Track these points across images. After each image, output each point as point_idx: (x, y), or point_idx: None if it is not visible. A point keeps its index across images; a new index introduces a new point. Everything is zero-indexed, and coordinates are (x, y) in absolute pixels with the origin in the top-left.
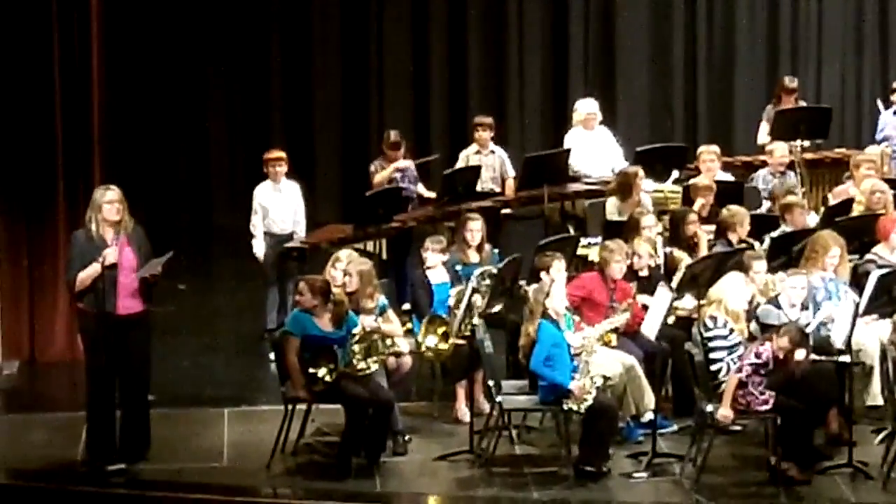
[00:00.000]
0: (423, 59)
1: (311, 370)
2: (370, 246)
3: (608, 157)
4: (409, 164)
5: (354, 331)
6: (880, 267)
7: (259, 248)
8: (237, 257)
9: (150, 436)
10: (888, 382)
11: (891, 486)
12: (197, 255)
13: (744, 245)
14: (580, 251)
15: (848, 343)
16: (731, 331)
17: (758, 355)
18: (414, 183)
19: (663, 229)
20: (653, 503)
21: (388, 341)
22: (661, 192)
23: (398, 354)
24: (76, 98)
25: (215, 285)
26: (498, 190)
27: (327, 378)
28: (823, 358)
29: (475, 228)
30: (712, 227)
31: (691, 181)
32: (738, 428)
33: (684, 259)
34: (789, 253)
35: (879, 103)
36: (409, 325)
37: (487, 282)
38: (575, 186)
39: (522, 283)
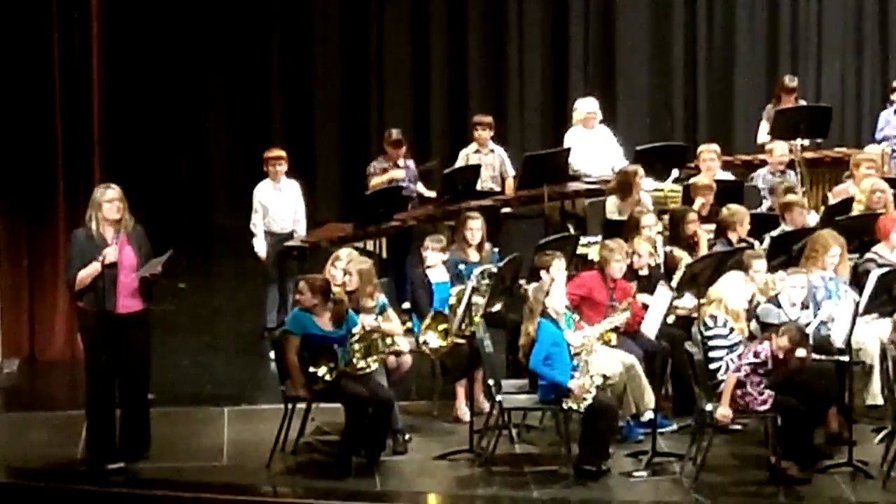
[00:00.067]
0: (423, 59)
1: (311, 369)
2: (370, 245)
3: (608, 157)
4: (402, 174)
5: (354, 330)
6: (880, 266)
7: (260, 246)
8: (237, 257)
9: (150, 434)
10: (888, 381)
11: (891, 486)
12: (197, 255)
13: (744, 244)
14: (580, 250)
15: (848, 342)
16: (731, 330)
17: (756, 355)
18: (414, 182)
19: (663, 228)
20: (652, 502)
21: (388, 340)
22: (661, 191)
23: (398, 353)
24: (76, 98)
25: (215, 284)
26: (498, 189)
27: (327, 377)
28: (823, 357)
29: (475, 227)
30: (712, 227)
31: (691, 180)
32: (737, 427)
33: (684, 258)
34: (789, 252)
35: None
36: (409, 325)
37: (487, 281)
38: (575, 185)
39: (522, 282)
